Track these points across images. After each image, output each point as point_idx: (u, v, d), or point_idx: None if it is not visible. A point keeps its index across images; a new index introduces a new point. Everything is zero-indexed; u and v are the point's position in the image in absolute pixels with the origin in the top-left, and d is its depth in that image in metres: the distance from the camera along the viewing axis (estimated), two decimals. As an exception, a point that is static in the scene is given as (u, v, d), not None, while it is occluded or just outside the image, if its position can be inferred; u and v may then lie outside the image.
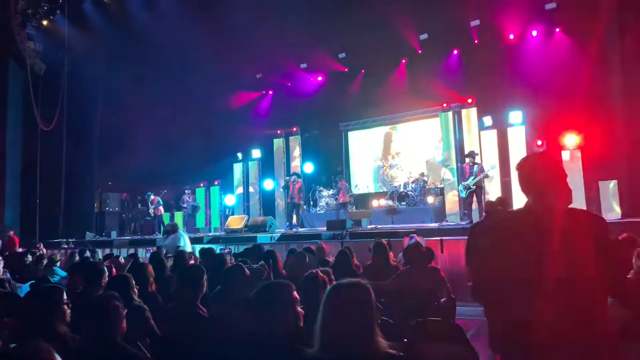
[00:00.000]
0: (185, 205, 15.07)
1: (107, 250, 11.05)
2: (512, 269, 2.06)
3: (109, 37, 15.17)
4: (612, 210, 9.72)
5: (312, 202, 14.87)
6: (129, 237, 14.73)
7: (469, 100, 12.68)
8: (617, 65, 9.68)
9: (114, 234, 15.53)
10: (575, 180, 10.74)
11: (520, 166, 2.29)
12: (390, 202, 13.16)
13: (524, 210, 2.25)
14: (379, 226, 11.64)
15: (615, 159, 10.04)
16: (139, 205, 17.04)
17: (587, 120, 10.69)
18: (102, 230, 16.24)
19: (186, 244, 8.60)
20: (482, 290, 2.33)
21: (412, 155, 14.75)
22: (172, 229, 8.95)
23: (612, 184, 9.76)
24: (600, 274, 1.97)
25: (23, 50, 15.79)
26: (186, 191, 15.14)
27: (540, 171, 2.22)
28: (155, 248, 9.76)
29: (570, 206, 2.16)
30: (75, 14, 14.76)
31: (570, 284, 1.95)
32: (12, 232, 12.80)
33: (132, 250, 11.11)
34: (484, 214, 7.07)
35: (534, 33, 11.98)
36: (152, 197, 14.93)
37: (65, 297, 3.03)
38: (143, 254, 10.60)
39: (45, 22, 15.73)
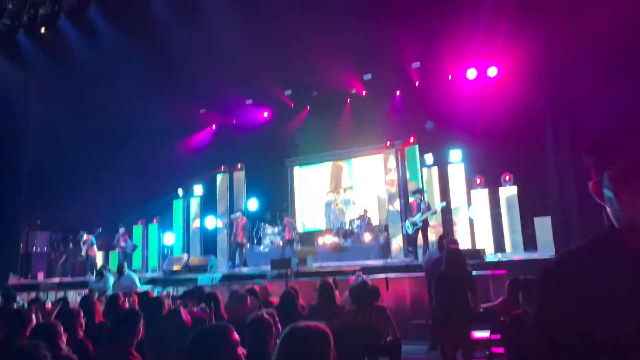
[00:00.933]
0: (123, 244, 14.27)
1: (33, 294, 10.23)
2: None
3: (43, 70, 14.56)
4: (547, 247, 10.13)
5: (256, 240, 14.57)
6: (57, 280, 13.77)
7: (411, 139, 13.05)
8: (547, 106, 10.27)
9: (40, 276, 14.47)
10: (514, 216, 11.20)
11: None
12: (335, 240, 13.13)
13: (610, 236, 1.20)
14: (324, 264, 11.53)
15: (548, 196, 10.52)
16: (71, 245, 16.06)
17: (523, 158, 11.24)
18: (28, 272, 15.11)
19: (135, 284, 8.55)
20: None
21: (360, 191, 14.91)
22: (119, 270, 8.89)
23: (547, 220, 10.19)
24: None
25: (-53, 80, 14.87)
26: (120, 230, 14.34)
27: None
28: (87, 291, 9.16)
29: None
30: (7, 45, 14.10)
31: None
32: None
33: (60, 294, 10.35)
34: (429, 249, 7.16)
35: (472, 75, 12.57)
36: (85, 236, 14.10)
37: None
38: (74, 298, 9.90)
39: (-27, 52, 14.92)
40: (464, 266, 5.31)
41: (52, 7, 12.93)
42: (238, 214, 13.36)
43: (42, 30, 13.67)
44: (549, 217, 10.16)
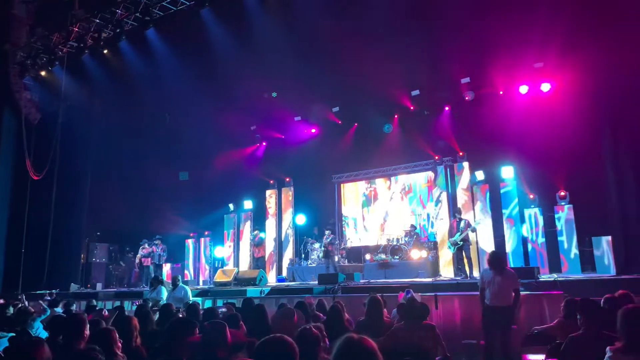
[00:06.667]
0: (162, 254, 14.66)
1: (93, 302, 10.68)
2: None
3: (105, 89, 15.40)
4: (606, 267, 9.64)
5: (303, 255, 14.64)
6: (115, 289, 14.33)
7: (460, 154, 12.80)
8: (606, 121, 9.88)
9: (99, 286, 15.11)
10: (569, 236, 10.75)
11: None
12: (383, 256, 12.97)
13: None
14: (372, 280, 11.43)
15: (607, 215, 10.04)
16: (128, 255, 16.74)
17: (578, 175, 10.80)
18: (88, 281, 15.82)
19: (187, 296, 9.15)
20: None
21: (406, 208, 14.72)
22: (174, 282, 9.63)
23: (606, 239, 9.72)
24: None
25: (19, 100, 15.93)
26: (155, 241, 14.62)
27: None
28: (141, 301, 9.49)
29: None
30: (74, 66, 14.99)
31: None
32: None
33: (117, 303, 10.77)
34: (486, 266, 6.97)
35: (524, 90, 12.21)
36: (146, 246, 14.62)
37: (47, 351, 2.90)
38: (129, 307, 10.27)
39: (43, 73, 15.94)
40: None
41: (114, 30, 13.65)
42: (255, 232, 14.03)
43: (105, 51, 14.44)
44: (609, 236, 9.67)
